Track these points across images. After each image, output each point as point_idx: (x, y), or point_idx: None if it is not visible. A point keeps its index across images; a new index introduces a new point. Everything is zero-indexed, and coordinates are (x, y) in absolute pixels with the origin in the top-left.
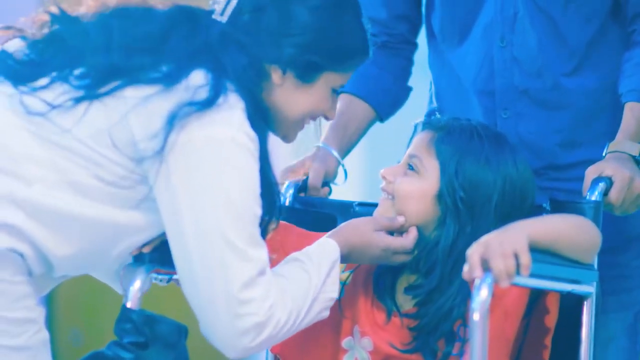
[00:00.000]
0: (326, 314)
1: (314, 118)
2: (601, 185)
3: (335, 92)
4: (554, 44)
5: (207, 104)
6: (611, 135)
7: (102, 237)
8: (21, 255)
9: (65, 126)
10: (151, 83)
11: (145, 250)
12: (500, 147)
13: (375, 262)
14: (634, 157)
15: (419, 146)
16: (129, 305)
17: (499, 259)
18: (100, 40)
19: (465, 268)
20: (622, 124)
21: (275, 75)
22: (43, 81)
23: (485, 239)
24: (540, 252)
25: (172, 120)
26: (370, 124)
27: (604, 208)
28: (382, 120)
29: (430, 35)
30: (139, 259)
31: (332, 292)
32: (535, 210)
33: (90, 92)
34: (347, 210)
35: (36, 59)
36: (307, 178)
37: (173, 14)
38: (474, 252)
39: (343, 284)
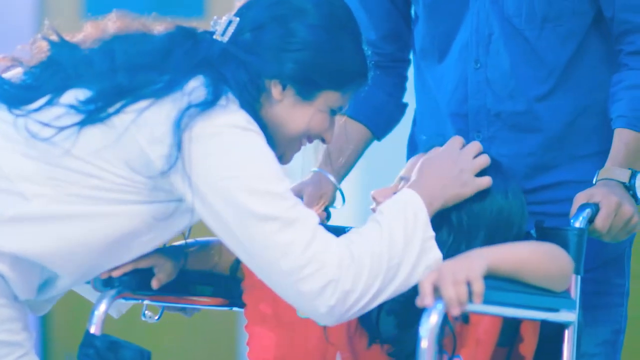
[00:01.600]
0: (433, 255)
1: (310, 139)
2: (587, 212)
3: (334, 114)
4: (530, 65)
5: (210, 104)
6: (583, 157)
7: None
8: (1, 276)
9: (64, 147)
10: (151, 95)
11: (115, 274)
12: (495, 174)
13: (464, 184)
14: (624, 183)
15: (409, 168)
16: (92, 330)
17: (450, 287)
18: (104, 65)
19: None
20: (612, 150)
21: (276, 90)
22: (37, 104)
23: (439, 266)
24: (501, 280)
25: (179, 124)
26: (366, 144)
27: (591, 235)
28: (379, 139)
29: (414, 53)
30: (107, 283)
31: (424, 230)
32: (523, 237)
33: (95, 115)
34: (339, 235)
35: (32, 83)
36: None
37: (174, 33)
38: (426, 279)
39: None
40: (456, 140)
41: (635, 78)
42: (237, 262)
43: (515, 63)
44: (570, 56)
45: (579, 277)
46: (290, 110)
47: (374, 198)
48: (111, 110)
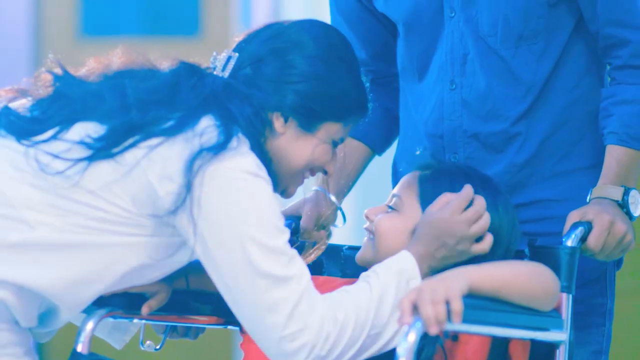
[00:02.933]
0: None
1: (312, 172)
2: (579, 230)
3: (336, 145)
4: (506, 84)
5: (222, 147)
6: (560, 175)
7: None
8: (3, 303)
9: (73, 179)
10: (163, 134)
11: (105, 293)
12: (484, 188)
13: (460, 253)
14: (617, 201)
15: (401, 185)
16: (79, 348)
17: (429, 305)
18: (116, 101)
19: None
20: (604, 168)
21: (278, 123)
22: (45, 136)
23: (419, 284)
24: (483, 299)
25: (191, 166)
26: (367, 160)
27: (585, 254)
28: (379, 154)
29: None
30: (97, 301)
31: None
32: (515, 255)
33: (106, 152)
34: (337, 254)
35: (39, 116)
36: (299, 221)
37: (178, 69)
38: (406, 298)
39: None
40: (462, 199)
41: (625, 92)
42: None
43: (492, 83)
44: (547, 73)
45: (570, 296)
46: (293, 143)
47: (367, 217)
48: (123, 146)
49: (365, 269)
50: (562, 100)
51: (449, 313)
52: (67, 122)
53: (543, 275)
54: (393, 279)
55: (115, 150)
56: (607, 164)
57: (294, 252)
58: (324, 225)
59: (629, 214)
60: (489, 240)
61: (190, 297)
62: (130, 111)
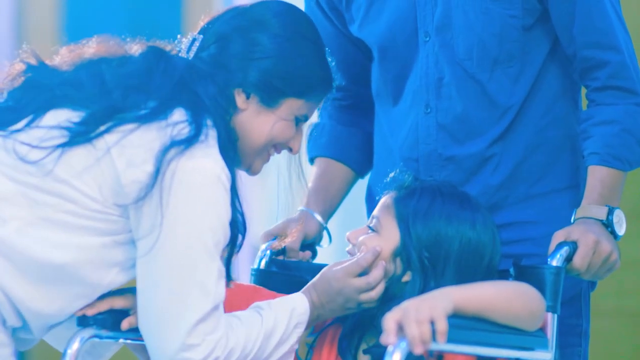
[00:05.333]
0: None
1: (278, 149)
2: (564, 250)
3: (299, 122)
4: (482, 108)
5: (191, 140)
6: (534, 197)
7: (72, 277)
8: None
9: (48, 167)
10: (136, 120)
11: (89, 312)
12: (462, 206)
13: (347, 309)
14: (601, 220)
15: (380, 206)
16: None
17: (413, 325)
18: (95, 86)
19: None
20: (587, 188)
21: (240, 99)
22: (20, 125)
23: (404, 304)
24: (468, 319)
25: (162, 157)
26: (350, 183)
27: (570, 273)
28: (362, 176)
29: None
30: (81, 321)
31: (292, 344)
32: (500, 275)
33: (85, 136)
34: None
35: (13, 105)
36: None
37: (148, 54)
38: (390, 317)
39: (310, 347)
40: (357, 265)
41: (604, 114)
42: None
43: (468, 107)
44: (523, 96)
45: (555, 315)
46: (255, 118)
47: (348, 239)
48: (100, 130)
49: None
50: (537, 123)
51: (433, 333)
52: (41, 110)
53: (528, 295)
54: (284, 318)
55: (93, 134)
56: (590, 184)
57: (222, 271)
58: (312, 244)
59: (613, 233)
60: (379, 289)
61: None
62: (111, 95)
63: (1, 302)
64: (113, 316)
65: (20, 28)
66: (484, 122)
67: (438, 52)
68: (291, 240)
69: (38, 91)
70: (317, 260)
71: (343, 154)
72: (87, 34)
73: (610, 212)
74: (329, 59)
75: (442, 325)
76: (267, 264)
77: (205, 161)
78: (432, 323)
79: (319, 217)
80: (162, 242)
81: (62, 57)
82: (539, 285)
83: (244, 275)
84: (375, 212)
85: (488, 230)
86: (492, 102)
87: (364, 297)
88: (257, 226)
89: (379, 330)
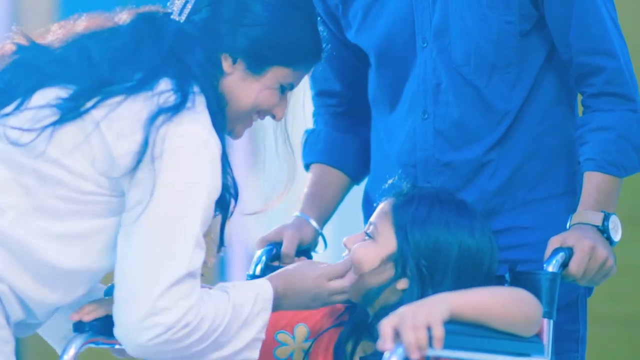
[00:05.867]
0: (252, 355)
1: (261, 116)
2: (560, 255)
3: (285, 90)
4: (479, 114)
5: (178, 107)
6: (531, 202)
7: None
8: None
9: (39, 149)
10: (123, 92)
11: (86, 318)
12: (459, 213)
13: (312, 305)
14: (597, 226)
15: (377, 213)
16: None
17: (410, 331)
18: (82, 62)
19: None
20: (582, 194)
21: (226, 63)
22: (10, 108)
23: (401, 310)
24: (465, 325)
25: (150, 125)
26: (346, 189)
27: (566, 279)
28: (357, 183)
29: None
30: (78, 327)
31: (258, 331)
32: (496, 281)
33: (75, 111)
34: None
35: (3, 87)
36: (280, 246)
37: (137, 24)
38: (387, 323)
39: (306, 353)
40: (335, 271)
41: (600, 120)
42: None
43: (465, 112)
44: (520, 102)
45: (551, 321)
46: (240, 84)
47: (345, 245)
48: (89, 105)
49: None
50: (534, 129)
51: (430, 339)
52: (30, 91)
53: (525, 300)
54: (250, 300)
55: (83, 109)
56: (586, 190)
57: (204, 246)
58: (308, 250)
59: (609, 239)
60: (349, 278)
61: None
62: (98, 70)
63: (5, 294)
64: (109, 322)
65: (16, 9)
66: (481, 128)
67: (436, 58)
68: (286, 245)
69: (28, 71)
70: None
71: (338, 161)
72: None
73: (606, 218)
74: (321, 29)
75: (438, 331)
76: (263, 269)
77: (193, 127)
78: (429, 329)
79: (314, 223)
80: (150, 206)
81: (54, 35)
82: (535, 291)
83: (239, 280)
84: (372, 218)
85: (486, 237)
86: (489, 108)
87: (338, 297)
88: (254, 231)
89: (375, 337)
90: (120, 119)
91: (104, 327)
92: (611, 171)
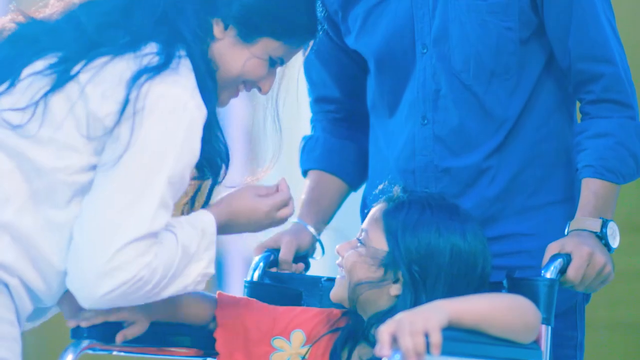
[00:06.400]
0: (198, 287)
1: (247, 87)
2: (558, 262)
3: (274, 64)
4: (479, 120)
5: (161, 68)
6: (530, 209)
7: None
8: (6, 286)
9: (32, 129)
10: (109, 53)
11: (83, 324)
12: (451, 217)
13: (261, 227)
14: (595, 233)
15: (368, 219)
16: None
17: (408, 337)
18: (70, 30)
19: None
20: (581, 200)
21: (217, 28)
22: (3, 87)
23: (398, 316)
24: (463, 331)
25: (133, 84)
26: (343, 195)
27: (564, 285)
28: (354, 189)
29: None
30: (76, 333)
31: (205, 266)
32: (494, 287)
33: (65, 75)
34: (315, 285)
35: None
36: (278, 253)
37: None
38: (385, 329)
39: (302, 358)
40: (279, 200)
41: (598, 126)
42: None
43: (464, 118)
44: (519, 109)
45: (549, 327)
46: (229, 50)
47: (338, 252)
48: (77, 68)
49: (341, 305)
50: (533, 136)
51: (428, 345)
52: (25, 65)
53: (523, 307)
54: (196, 237)
55: (73, 72)
56: (584, 196)
57: (171, 209)
58: (305, 256)
59: (607, 245)
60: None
61: (168, 328)
62: (86, 33)
63: (16, 288)
64: (107, 328)
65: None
66: (480, 134)
67: (435, 64)
68: (284, 251)
69: (23, 45)
70: (310, 272)
71: (336, 167)
72: None
73: (604, 224)
74: (319, 9)
75: (436, 338)
76: (260, 276)
77: (174, 88)
78: (427, 335)
79: (311, 229)
80: (124, 158)
81: (52, 8)
82: (533, 298)
83: (237, 287)
84: (364, 225)
85: (478, 240)
86: (488, 114)
87: (281, 213)
88: (252, 237)
89: (371, 343)
90: (104, 82)
91: (101, 333)
92: (609, 178)
